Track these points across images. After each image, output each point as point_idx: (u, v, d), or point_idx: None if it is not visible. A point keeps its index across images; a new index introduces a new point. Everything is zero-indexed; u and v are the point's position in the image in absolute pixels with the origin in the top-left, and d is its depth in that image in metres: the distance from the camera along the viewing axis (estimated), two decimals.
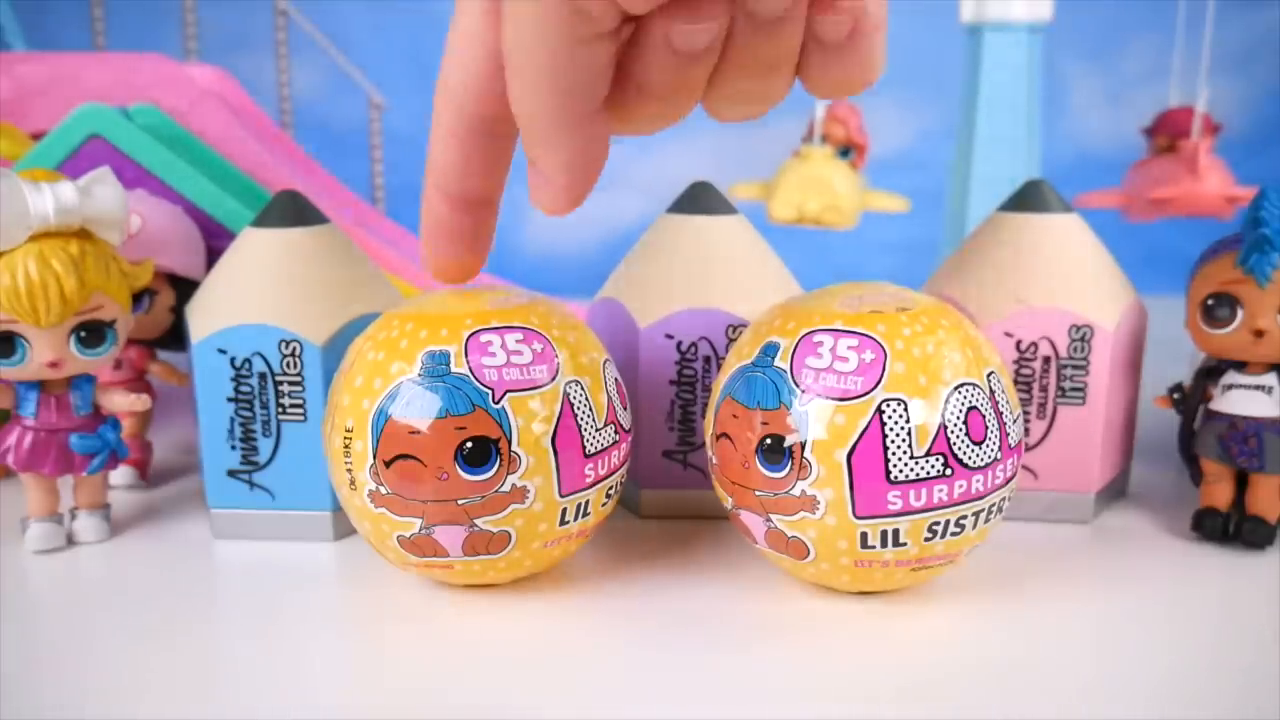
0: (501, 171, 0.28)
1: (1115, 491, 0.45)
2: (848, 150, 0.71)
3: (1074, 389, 0.42)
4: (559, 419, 0.34)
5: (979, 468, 0.33)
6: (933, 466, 0.32)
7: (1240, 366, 0.40)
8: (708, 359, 0.42)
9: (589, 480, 0.35)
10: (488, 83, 0.26)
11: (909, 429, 0.32)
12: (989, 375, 0.33)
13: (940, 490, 0.32)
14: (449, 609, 0.36)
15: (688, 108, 0.25)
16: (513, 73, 0.24)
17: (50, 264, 0.38)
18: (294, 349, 0.40)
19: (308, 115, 1.04)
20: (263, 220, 0.42)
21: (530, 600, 0.37)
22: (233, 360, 0.40)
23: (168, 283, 0.48)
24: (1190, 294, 0.41)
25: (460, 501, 0.33)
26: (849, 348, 0.32)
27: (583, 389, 0.35)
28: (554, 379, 0.34)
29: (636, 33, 0.24)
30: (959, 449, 0.32)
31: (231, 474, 0.41)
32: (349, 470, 0.34)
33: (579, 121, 0.24)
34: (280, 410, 0.40)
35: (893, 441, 0.32)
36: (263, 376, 0.40)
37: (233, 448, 0.41)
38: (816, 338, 0.33)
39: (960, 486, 0.32)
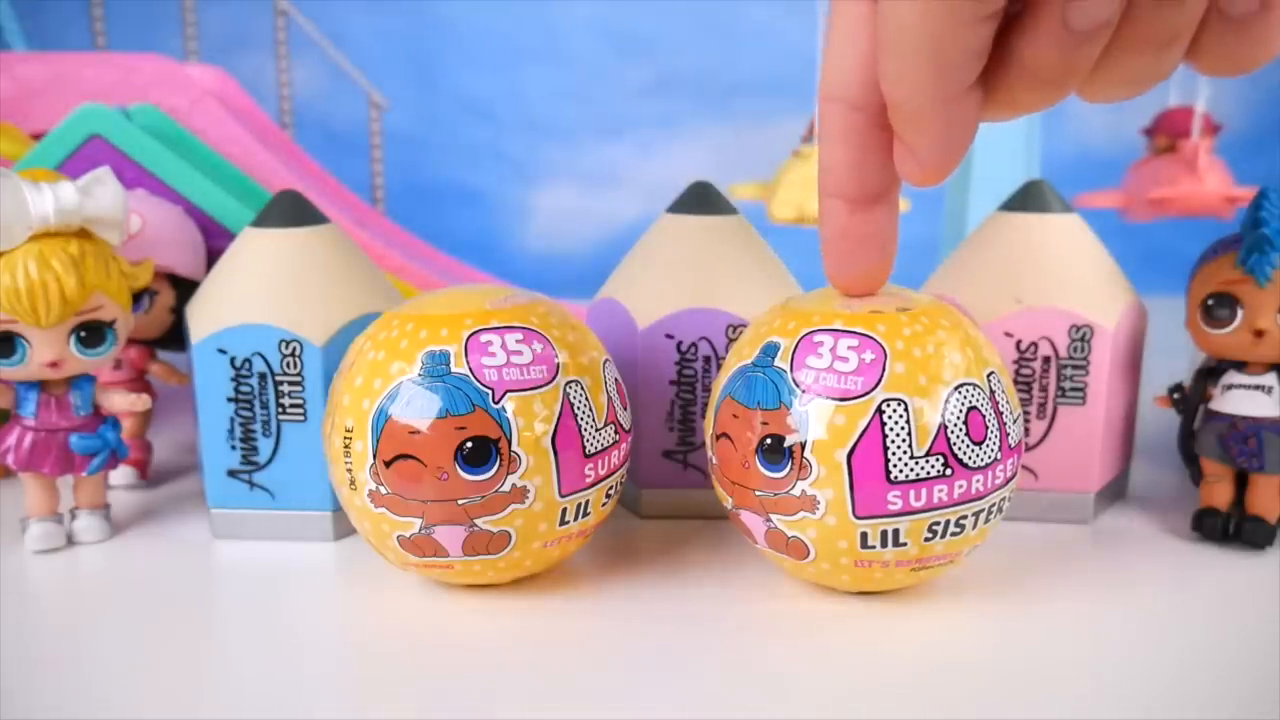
0: (892, 164, 0.28)
1: (1115, 492, 0.45)
2: None
3: (1074, 389, 0.42)
4: (559, 419, 0.34)
5: (979, 468, 0.33)
6: (933, 466, 0.32)
7: (1240, 366, 0.40)
8: (708, 359, 0.42)
9: (589, 480, 0.35)
10: (873, 73, 0.25)
11: (909, 429, 0.32)
12: (989, 375, 0.33)
13: (940, 490, 0.32)
14: (449, 609, 0.36)
15: (1068, 91, 0.24)
16: (888, 53, 0.24)
17: (50, 264, 0.38)
18: (294, 349, 0.40)
19: (308, 115, 1.04)
20: (263, 220, 0.42)
21: (530, 600, 0.37)
22: (233, 360, 0.40)
23: (168, 283, 0.49)
24: (1190, 294, 0.41)
25: (460, 501, 0.33)
26: (849, 348, 0.32)
27: (583, 389, 0.35)
28: (554, 379, 0.34)
29: (1025, 11, 0.23)
30: (959, 449, 0.32)
31: (231, 474, 0.41)
32: (349, 470, 0.34)
33: (952, 101, 0.24)
34: (280, 410, 0.40)
35: (893, 441, 0.32)
36: (263, 376, 0.40)
37: (233, 448, 0.41)
38: (816, 338, 0.33)
39: (960, 486, 0.32)
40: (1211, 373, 0.41)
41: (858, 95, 0.26)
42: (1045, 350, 0.41)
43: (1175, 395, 0.43)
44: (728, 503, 0.36)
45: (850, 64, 0.26)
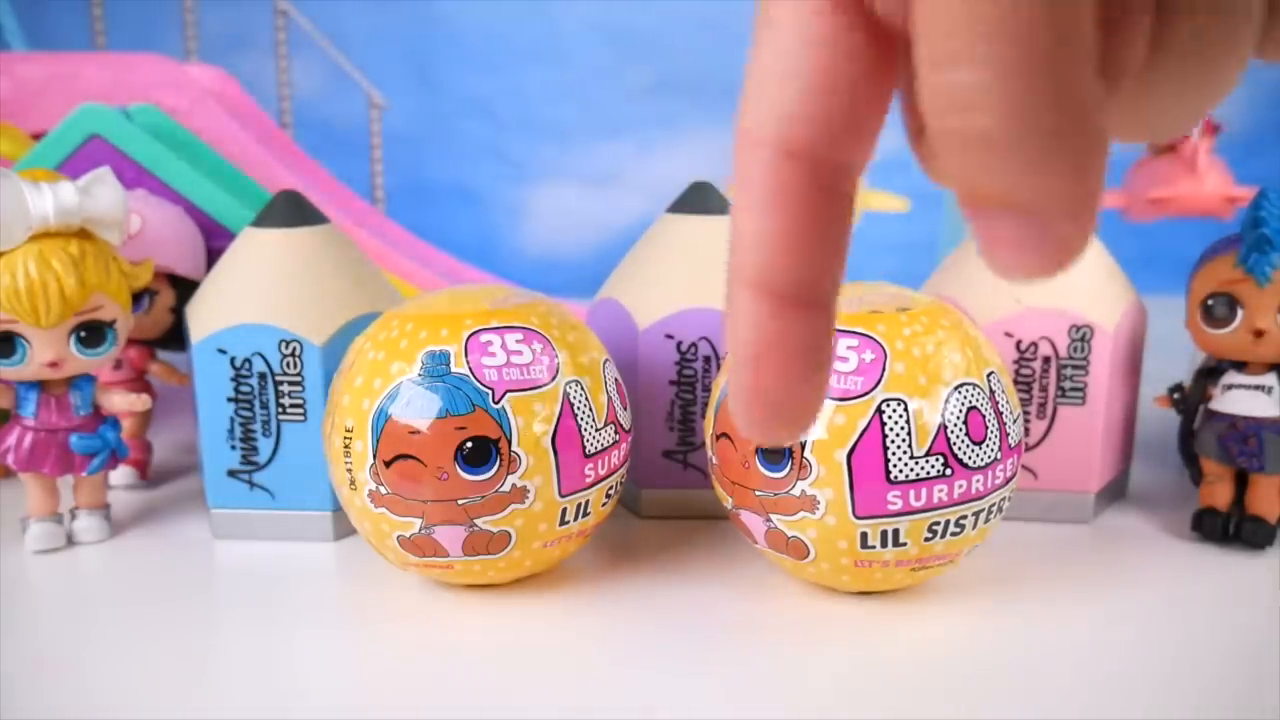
0: (844, 246, 0.18)
1: (1115, 491, 0.45)
2: None
3: (1074, 389, 0.42)
4: (559, 419, 0.34)
5: (979, 468, 0.33)
6: (933, 466, 0.32)
7: (1240, 366, 0.40)
8: (708, 359, 0.42)
9: (589, 480, 0.35)
10: (830, 108, 0.17)
11: (909, 429, 0.32)
12: (989, 375, 0.33)
13: (940, 490, 0.32)
14: (449, 609, 0.36)
15: (1233, 76, 0.16)
16: (962, 37, 0.14)
17: (50, 264, 0.38)
18: (294, 349, 0.40)
19: (308, 115, 1.04)
20: (263, 220, 0.42)
21: (530, 600, 0.37)
22: (233, 360, 0.40)
23: (168, 283, 0.48)
24: (1190, 294, 0.41)
25: (460, 501, 0.33)
26: (849, 348, 0.32)
27: (583, 389, 0.35)
28: (554, 379, 0.34)
29: None
30: (959, 449, 0.32)
31: (231, 474, 0.41)
32: (349, 470, 0.34)
33: (1080, 111, 0.14)
34: (280, 410, 0.40)
35: (893, 441, 0.32)
36: (263, 376, 0.40)
37: (233, 448, 0.41)
38: None
39: (960, 486, 0.32)
40: (1211, 373, 0.41)
41: (801, 136, 0.17)
42: (1045, 350, 0.41)
43: (1175, 395, 0.43)
44: (728, 503, 0.36)
45: (791, 91, 0.18)
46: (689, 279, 0.42)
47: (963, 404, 0.32)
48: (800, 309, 0.18)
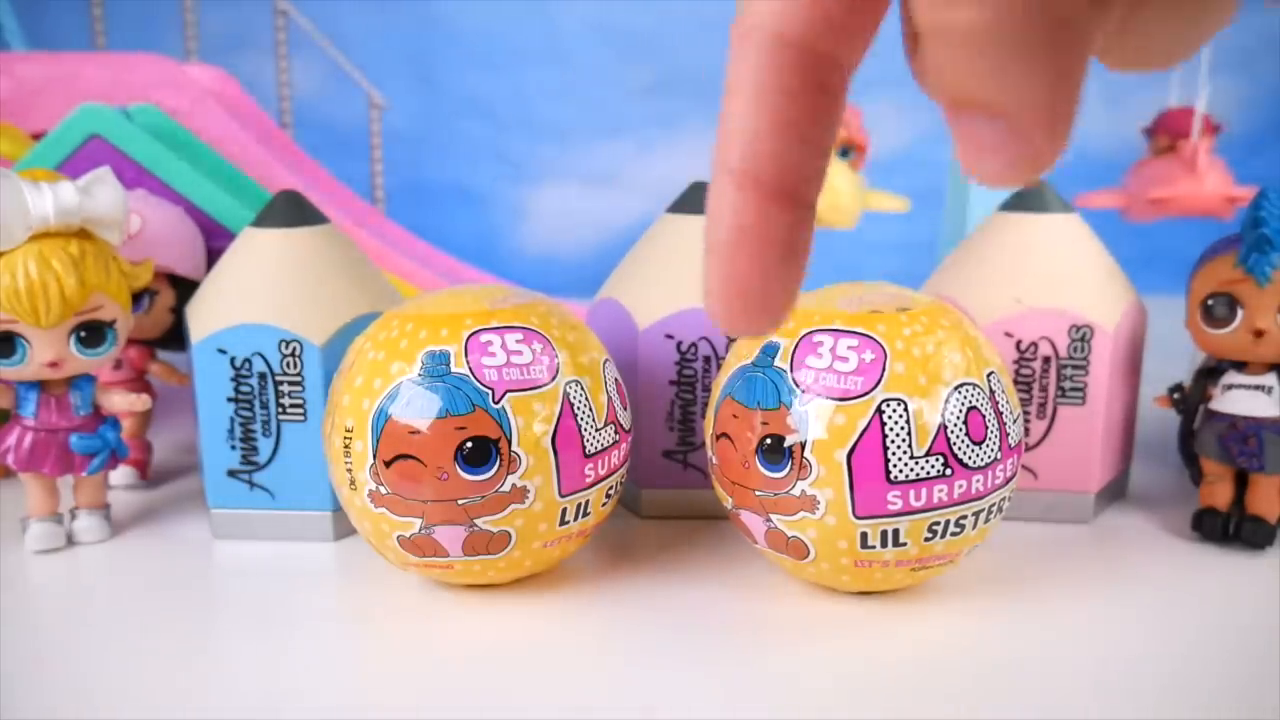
0: (829, 145, 0.18)
1: (1115, 491, 0.45)
2: (848, 150, 0.71)
3: (1074, 389, 0.42)
4: (559, 419, 0.34)
5: (979, 468, 0.33)
6: (933, 466, 0.32)
7: (1240, 366, 0.40)
8: (708, 359, 0.42)
9: (589, 480, 0.35)
10: (826, 2, 0.17)
11: (909, 429, 0.32)
12: (989, 375, 0.33)
13: (940, 490, 0.32)
14: (449, 609, 0.36)
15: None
16: None
17: (50, 264, 0.38)
18: (294, 349, 0.40)
19: (308, 115, 1.04)
20: (263, 220, 0.42)
21: (530, 600, 0.37)
22: (233, 360, 0.40)
23: (168, 283, 0.48)
24: (1190, 294, 0.41)
25: (460, 501, 0.33)
26: (849, 348, 0.32)
27: (583, 389, 0.35)
28: (554, 379, 0.34)
29: None
30: (959, 449, 0.32)
31: (231, 474, 0.41)
32: (349, 470, 0.34)
33: (1062, 25, 0.14)
34: (280, 410, 0.40)
35: (893, 441, 0.32)
36: (263, 376, 0.40)
37: (233, 448, 0.41)
38: (816, 338, 0.33)
39: (960, 486, 0.32)
40: (1211, 373, 0.41)
41: (796, 25, 0.17)
42: (1045, 350, 0.41)
43: (1175, 395, 0.43)
44: (728, 503, 0.36)
45: None
46: (689, 279, 0.42)
47: (963, 404, 0.32)
48: (781, 201, 0.19)
